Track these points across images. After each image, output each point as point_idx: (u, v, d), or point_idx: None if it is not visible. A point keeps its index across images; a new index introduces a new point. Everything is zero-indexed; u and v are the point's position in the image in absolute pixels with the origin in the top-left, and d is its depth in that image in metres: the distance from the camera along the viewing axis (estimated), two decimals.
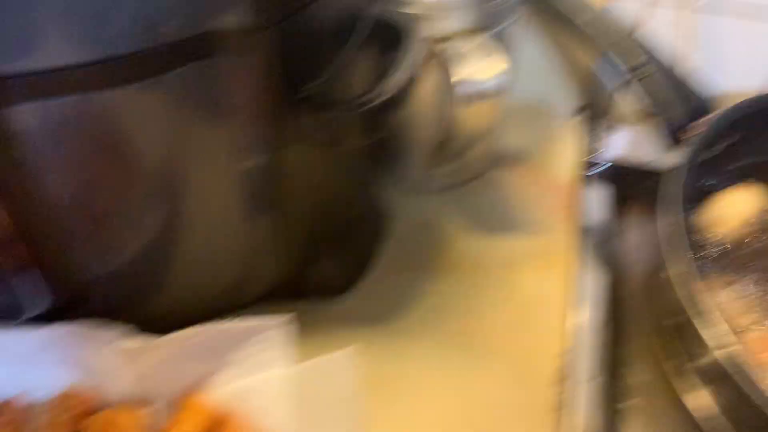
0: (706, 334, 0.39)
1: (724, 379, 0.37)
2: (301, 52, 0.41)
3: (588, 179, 0.66)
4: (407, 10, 0.53)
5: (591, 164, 0.67)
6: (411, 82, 0.46)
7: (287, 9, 0.38)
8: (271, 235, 0.49)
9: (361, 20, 0.46)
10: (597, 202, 0.64)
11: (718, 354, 0.38)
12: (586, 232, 0.61)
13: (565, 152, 0.72)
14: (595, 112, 0.77)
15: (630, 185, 0.65)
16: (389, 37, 0.48)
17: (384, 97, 0.43)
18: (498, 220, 0.65)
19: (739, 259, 0.50)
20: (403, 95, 0.45)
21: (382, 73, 0.45)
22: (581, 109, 0.77)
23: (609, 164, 0.66)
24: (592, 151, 0.67)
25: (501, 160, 0.70)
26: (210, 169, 0.42)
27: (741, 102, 0.55)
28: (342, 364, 0.41)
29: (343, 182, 0.55)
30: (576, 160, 0.70)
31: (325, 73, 0.43)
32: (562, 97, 0.77)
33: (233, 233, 0.48)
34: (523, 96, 0.76)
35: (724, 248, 0.51)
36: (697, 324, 0.39)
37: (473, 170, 0.67)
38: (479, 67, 0.51)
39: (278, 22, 0.38)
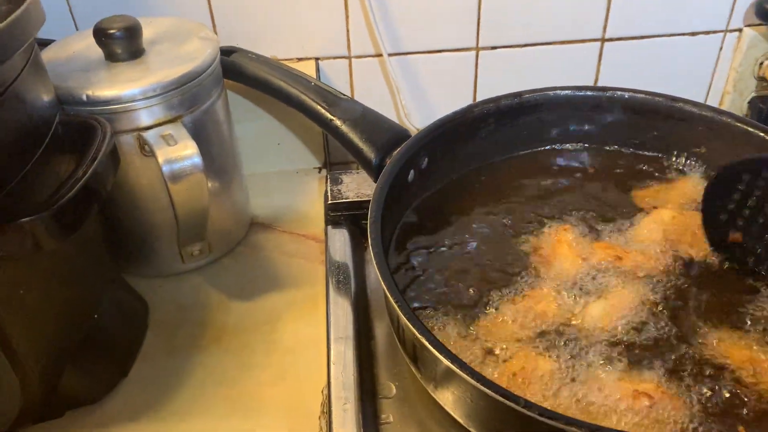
0: (430, 348, 0.44)
1: (452, 377, 0.45)
2: None
3: (332, 223, 0.72)
4: (104, 106, 0.56)
5: (333, 210, 0.73)
6: (106, 173, 0.49)
7: None
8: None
9: (43, 124, 0.49)
10: (341, 242, 0.70)
11: (441, 365, 0.44)
12: (334, 271, 0.66)
13: (313, 205, 0.78)
14: (332, 162, 0.85)
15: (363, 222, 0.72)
16: (80, 134, 0.51)
17: (74, 192, 0.44)
18: (259, 283, 0.69)
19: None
20: (99, 186, 0.48)
21: (74, 169, 0.47)
22: (323, 164, 0.84)
23: (345, 207, 0.72)
24: (332, 197, 0.73)
25: (253, 227, 0.75)
26: None
27: (422, 131, 0.63)
28: None
29: (72, 287, 0.55)
30: (322, 209, 0.76)
31: (8, 179, 0.44)
32: (301, 155, 0.83)
33: None
34: (265, 161, 0.82)
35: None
36: (422, 343, 0.45)
37: (223, 244, 0.71)
38: (177, 149, 0.55)
39: None
